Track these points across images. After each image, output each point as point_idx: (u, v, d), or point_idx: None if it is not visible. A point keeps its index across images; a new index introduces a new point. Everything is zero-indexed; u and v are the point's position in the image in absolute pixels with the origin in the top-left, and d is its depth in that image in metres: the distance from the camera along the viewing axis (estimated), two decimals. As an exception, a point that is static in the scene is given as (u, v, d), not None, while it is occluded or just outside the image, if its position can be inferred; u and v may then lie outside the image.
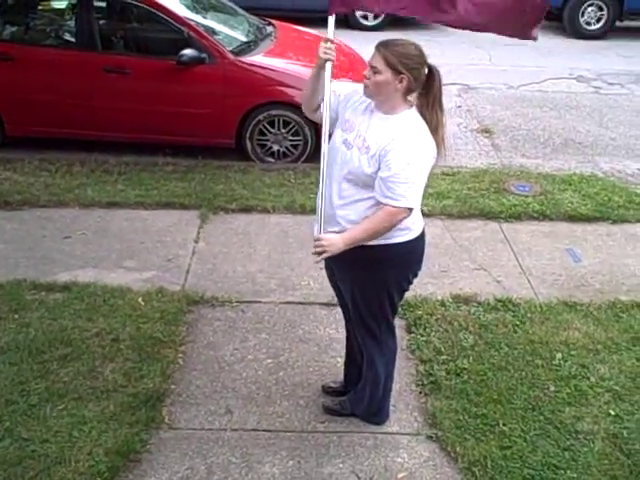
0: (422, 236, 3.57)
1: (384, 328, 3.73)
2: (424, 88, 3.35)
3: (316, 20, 8.97)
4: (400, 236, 3.43)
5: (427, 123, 3.34)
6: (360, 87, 3.41)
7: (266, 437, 3.87)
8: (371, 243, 3.40)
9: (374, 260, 3.46)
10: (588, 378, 4.32)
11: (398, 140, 3.24)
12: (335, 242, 3.33)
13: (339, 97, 3.52)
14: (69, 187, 6.49)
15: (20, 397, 4.02)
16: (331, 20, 3.50)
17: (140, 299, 4.90)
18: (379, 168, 3.26)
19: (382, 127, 3.31)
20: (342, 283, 3.72)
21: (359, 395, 3.96)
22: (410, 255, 3.56)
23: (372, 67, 3.28)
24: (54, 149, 7.29)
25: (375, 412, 3.98)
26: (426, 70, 3.32)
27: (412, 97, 3.38)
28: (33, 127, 7.27)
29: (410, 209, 3.29)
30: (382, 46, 3.29)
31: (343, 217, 3.43)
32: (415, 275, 3.66)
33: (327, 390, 4.19)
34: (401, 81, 3.26)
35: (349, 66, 7.53)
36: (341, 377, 4.20)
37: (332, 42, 3.42)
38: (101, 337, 4.52)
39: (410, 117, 3.34)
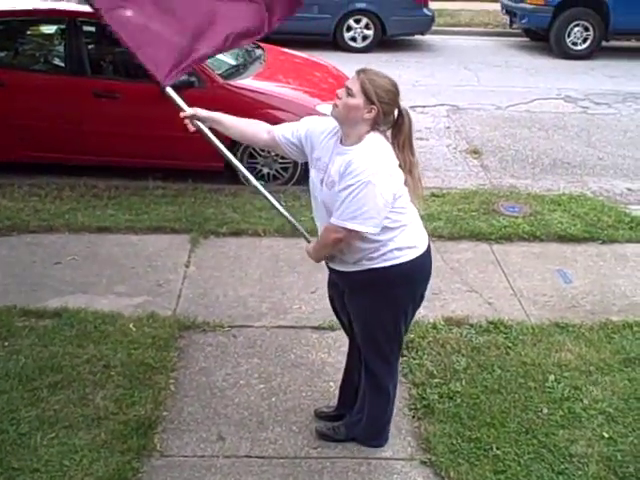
0: (428, 253, 3.56)
1: (395, 349, 3.72)
2: (394, 129, 3.35)
3: (302, 42, 9.01)
4: (406, 255, 3.42)
5: (400, 166, 3.32)
6: (328, 121, 3.45)
7: (259, 464, 3.84)
8: (378, 265, 3.41)
9: (384, 281, 3.45)
10: (581, 400, 4.31)
11: (356, 158, 3.23)
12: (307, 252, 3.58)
13: (299, 132, 3.56)
14: (59, 212, 6.47)
15: (10, 426, 3.98)
16: (170, 91, 3.56)
17: (131, 325, 4.87)
18: None
19: (344, 158, 3.30)
20: (355, 308, 3.67)
21: (356, 418, 3.94)
22: (419, 272, 3.55)
23: (347, 88, 3.29)
24: (44, 174, 7.28)
25: (376, 435, 3.96)
26: (397, 111, 3.33)
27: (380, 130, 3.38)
28: (22, 152, 7.25)
29: (352, 232, 3.26)
30: (362, 72, 3.31)
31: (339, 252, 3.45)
32: (422, 295, 3.66)
33: (320, 415, 4.17)
34: (370, 111, 3.26)
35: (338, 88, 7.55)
36: (334, 402, 4.18)
37: (191, 117, 3.57)
38: (92, 364, 4.49)
39: (373, 139, 3.32)
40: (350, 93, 3.27)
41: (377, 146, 3.29)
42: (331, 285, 3.83)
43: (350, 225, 3.23)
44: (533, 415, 4.19)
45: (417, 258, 3.46)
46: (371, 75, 3.29)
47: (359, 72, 3.32)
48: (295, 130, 3.57)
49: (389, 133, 3.37)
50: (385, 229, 3.33)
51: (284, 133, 3.60)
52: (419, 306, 3.71)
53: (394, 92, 3.30)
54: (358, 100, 3.25)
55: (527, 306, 5.33)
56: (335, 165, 3.31)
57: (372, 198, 3.18)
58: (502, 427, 4.08)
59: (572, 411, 4.22)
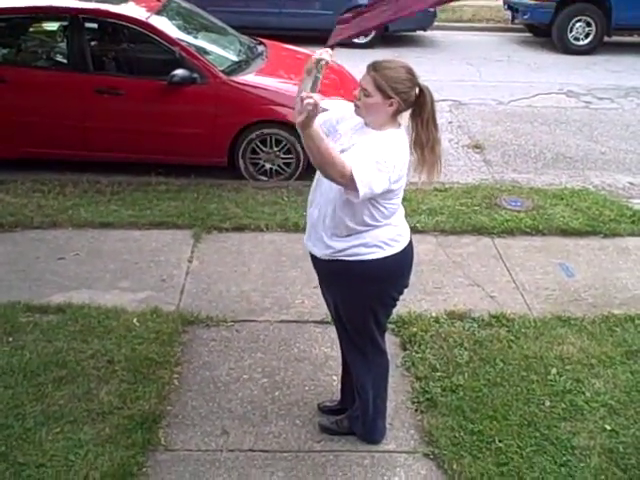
0: (406, 251, 3.55)
1: (370, 344, 3.72)
2: (416, 108, 3.36)
3: (304, 38, 9.02)
4: (380, 252, 3.43)
5: (423, 142, 3.34)
6: (351, 105, 3.44)
7: (263, 458, 3.86)
8: (351, 258, 3.43)
9: (355, 275, 3.47)
10: (583, 393, 4.33)
11: (372, 140, 3.26)
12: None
13: (332, 119, 3.54)
14: (62, 208, 6.49)
15: (15, 421, 4.00)
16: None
17: (135, 320, 4.89)
18: None
19: (364, 135, 3.34)
20: (328, 297, 3.75)
21: (356, 413, 3.96)
22: (393, 271, 3.55)
23: (363, 89, 3.30)
24: (47, 170, 7.31)
25: (368, 431, 3.97)
26: (417, 90, 3.34)
27: (401, 117, 3.40)
28: (26, 148, 7.27)
29: (350, 179, 3.10)
30: (373, 69, 3.30)
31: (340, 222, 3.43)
32: (400, 292, 3.66)
33: (323, 409, 4.18)
34: (391, 104, 3.29)
35: (340, 84, 7.57)
36: (337, 395, 4.20)
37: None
38: (96, 359, 4.51)
39: (394, 134, 3.35)
40: (367, 93, 3.28)
41: (395, 141, 3.30)
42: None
43: (357, 176, 3.11)
44: (535, 408, 4.20)
45: (387, 258, 3.46)
46: (383, 70, 3.28)
47: (370, 69, 3.31)
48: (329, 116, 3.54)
49: (409, 114, 3.37)
50: (369, 221, 3.37)
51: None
52: (393, 306, 3.71)
53: (409, 78, 3.31)
54: (375, 98, 3.27)
55: (529, 300, 5.34)
56: (355, 145, 3.32)
57: (374, 171, 3.17)
58: (504, 420, 4.09)
59: (574, 404, 4.24)
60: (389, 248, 3.46)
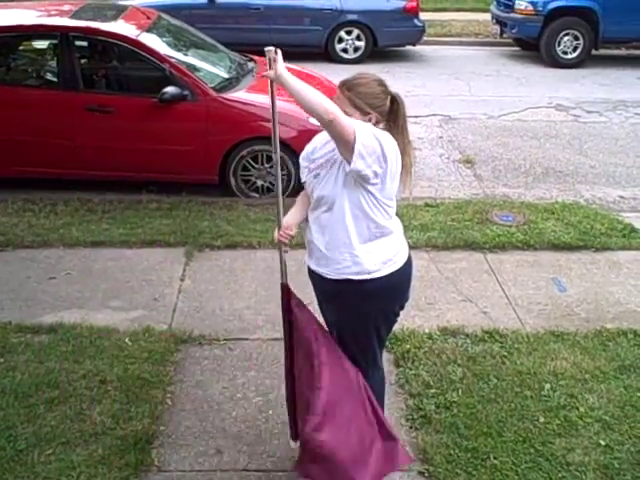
0: (406, 266, 3.56)
1: (370, 362, 3.72)
2: (391, 115, 3.43)
3: (294, 54, 9.01)
4: (384, 269, 3.44)
5: (401, 147, 3.37)
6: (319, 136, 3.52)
7: (257, 477, 3.83)
8: (356, 277, 3.42)
9: (359, 293, 3.47)
10: (577, 408, 4.32)
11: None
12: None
13: (307, 156, 3.62)
14: (53, 227, 6.47)
15: (7, 442, 3.97)
16: None
17: (127, 339, 4.87)
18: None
19: None
20: (330, 315, 3.72)
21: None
22: (395, 287, 3.56)
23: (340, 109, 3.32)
24: (38, 189, 7.28)
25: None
26: (389, 99, 3.40)
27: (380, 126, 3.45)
28: (16, 167, 7.26)
29: (355, 139, 3.12)
30: (347, 89, 3.36)
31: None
32: (402, 307, 3.67)
33: (317, 427, 4.16)
34: (370, 119, 3.35)
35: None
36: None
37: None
38: (88, 379, 4.48)
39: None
40: (345, 113, 3.29)
41: (379, 131, 3.33)
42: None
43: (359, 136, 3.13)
44: (530, 424, 4.19)
45: (397, 272, 3.48)
46: (357, 88, 3.35)
47: (343, 89, 3.37)
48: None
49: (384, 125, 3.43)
50: (372, 233, 3.38)
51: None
52: (394, 322, 3.71)
53: (383, 90, 3.39)
54: (355, 117, 3.32)
55: (522, 315, 5.35)
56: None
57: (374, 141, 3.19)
58: (499, 436, 4.09)
59: (568, 419, 4.23)
60: (394, 264, 3.47)
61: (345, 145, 3.15)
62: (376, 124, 3.40)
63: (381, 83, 3.41)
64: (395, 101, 3.42)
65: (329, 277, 3.49)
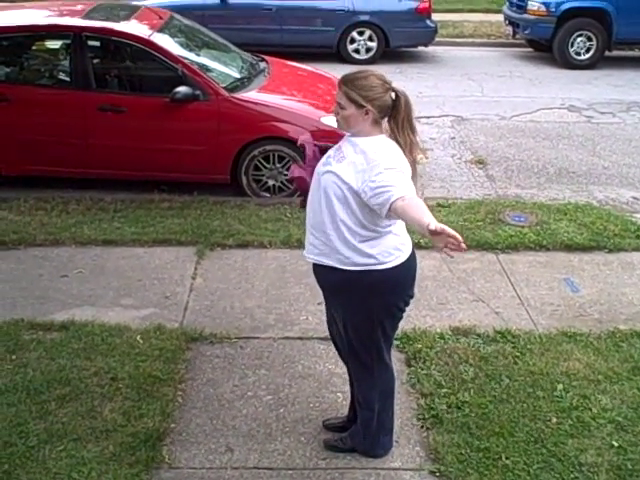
0: (410, 260, 3.57)
1: (375, 358, 3.71)
2: (392, 112, 3.42)
3: (306, 55, 9.05)
4: (387, 262, 3.45)
5: (401, 146, 3.40)
6: None
7: (267, 475, 3.83)
8: (360, 268, 3.44)
9: (364, 286, 3.48)
10: (590, 409, 4.30)
11: (370, 150, 3.33)
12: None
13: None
14: (65, 226, 6.48)
15: (19, 439, 3.98)
16: None
17: (138, 337, 4.87)
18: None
19: (354, 143, 3.41)
20: (335, 311, 3.73)
21: (356, 428, 3.95)
22: (399, 281, 3.57)
23: (337, 103, 3.41)
24: (50, 188, 7.31)
25: (370, 445, 3.94)
26: (392, 95, 3.40)
27: (383, 122, 3.46)
28: (29, 166, 7.29)
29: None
30: (343, 82, 3.41)
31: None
32: (407, 302, 3.66)
33: (328, 426, 4.16)
34: (366, 113, 3.37)
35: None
36: (342, 412, 4.19)
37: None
38: (100, 376, 4.49)
39: (381, 140, 3.41)
40: (341, 106, 3.40)
41: (387, 146, 3.37)
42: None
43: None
44: (542, 424, 4.17)
45: (400, 265, 3.49)
46: (353, 81, 3.39)
47: (340, 84, 3.42)
48: None
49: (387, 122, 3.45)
50: (373, 230, 3.40)
51: None
52: (400, 317, 3.71)
53: (381, 84, 3.39)
54: (350, 110, 3.37)
55: (534, 315, 5.32)
56: (345, 149, 3.41)
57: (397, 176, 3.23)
58: (511, 437, 4.07)
59: (581, 420, 4.21)
60: (395, 259, 3.47)
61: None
62: (376, 120, 3.39)
63: (380, 77, 3.41)
64: (398, 97, 3.41)
65: (336, 267, 3.49)
